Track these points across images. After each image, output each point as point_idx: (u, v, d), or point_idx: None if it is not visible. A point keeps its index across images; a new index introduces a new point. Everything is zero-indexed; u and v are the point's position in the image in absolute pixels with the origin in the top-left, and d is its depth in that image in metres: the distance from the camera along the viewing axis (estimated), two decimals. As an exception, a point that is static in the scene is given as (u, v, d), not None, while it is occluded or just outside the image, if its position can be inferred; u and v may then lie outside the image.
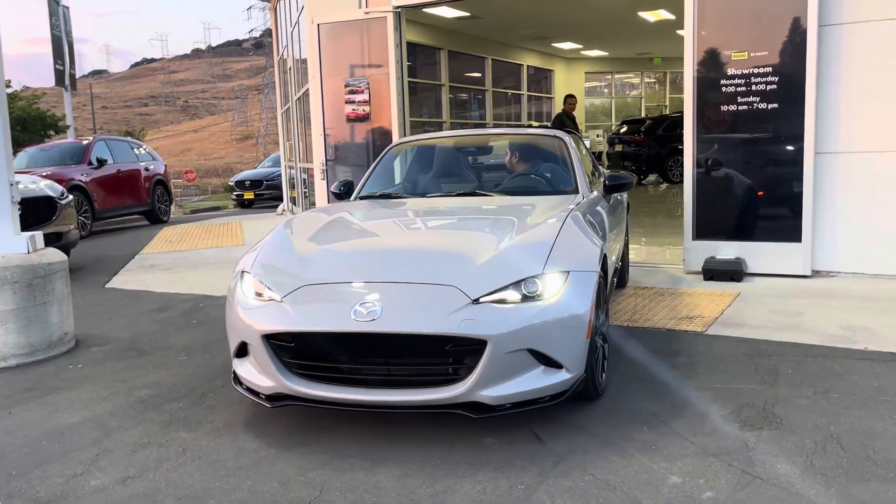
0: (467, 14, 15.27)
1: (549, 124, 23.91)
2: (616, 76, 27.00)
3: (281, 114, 15.10)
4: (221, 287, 7.01)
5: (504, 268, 3.28)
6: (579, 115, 24.27)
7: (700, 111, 6.49)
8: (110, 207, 12.58)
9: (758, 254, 6.34)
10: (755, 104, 6.26)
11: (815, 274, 6.26)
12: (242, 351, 3.46)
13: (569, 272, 3.28)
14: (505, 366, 3.04)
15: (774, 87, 6.17)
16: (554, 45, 22.13)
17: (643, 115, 26.69)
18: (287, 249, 3.81)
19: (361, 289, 3.27)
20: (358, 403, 3.14)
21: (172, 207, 15.31)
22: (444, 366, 3.09)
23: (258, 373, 3.34)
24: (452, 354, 3.06)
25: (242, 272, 3.64)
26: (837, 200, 6.16)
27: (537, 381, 3.11)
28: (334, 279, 3.40)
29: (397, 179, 5.41)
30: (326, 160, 8.57)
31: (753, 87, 6.25)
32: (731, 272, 6.22)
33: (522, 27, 18.40)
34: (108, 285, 7.60)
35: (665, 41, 21.78)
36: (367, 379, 3.17)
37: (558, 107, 24.74)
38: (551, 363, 3.14)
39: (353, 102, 8.36)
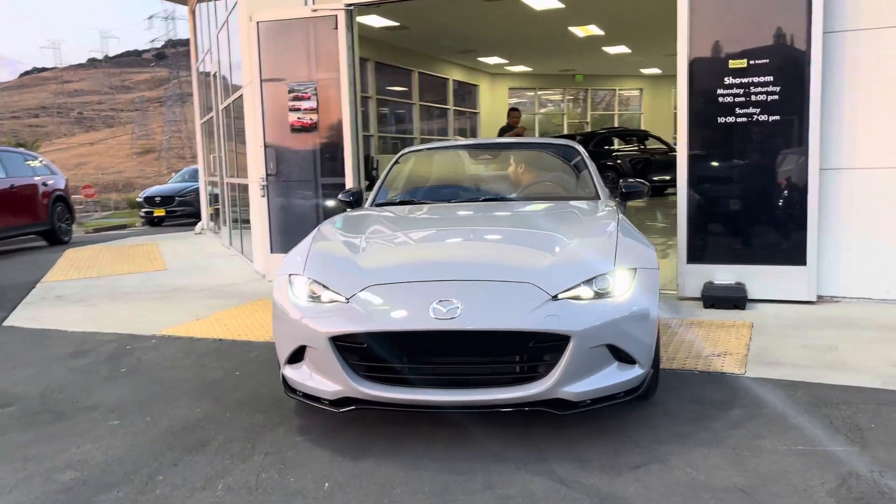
0: (396, 24, 14.62)
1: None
2: (539, 92, 26.87)
3: (200, 125, 13.91)
4: (150, 323, 6.10)
5: (575, 265, 3.35)
6: (496, 129, 23.96)
7: (694, 124, 5.95)
8: (2, 227, 11.13)
9: (758, 278, 5.83)
10: (755, 116, 5.76)
11: (820, 300, 5.79)
12: (297, 356, 3.40)
13: (636, 269, 3.35)
14: (586, 362, 3.08)
15: (776, 97, 5.69)
16: (480, 59, 21.79)
17: (565, 131, 26.73)
18: (338, 250, 3.78)
19: (435, 287, 3.25)
20: (434, 405, 3.13)
21: (73, 227, 13.82)
22: (525, 363, 3.11)
23: (321, 377, 3.28)
24: (534, 351, 3.08)
25: (290, 275, 3.56)
26: (841, 220, 5.73)
27: (614, 376, 3.16)
28: (403, 278, 3.40)
29: (407, 186, 5.32)
30: (267, 175, 7.60)
31: (753, 98, 5.75)
32: (734, 299, 5.68)
33: (450, 40, 17.92)
34: (5, 323, 6.39)
35: (590, 58, 21.81)
36: (442, 379, 3.15)
37: (484, 122, 24.47)
38: (626, 359, 3.20)
39: (298, 110, 7.45)
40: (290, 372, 3.44)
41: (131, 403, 4.14)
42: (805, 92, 5.60)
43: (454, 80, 22.33)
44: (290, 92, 7.46)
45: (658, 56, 22.38)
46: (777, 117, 5.71)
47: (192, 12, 13.69)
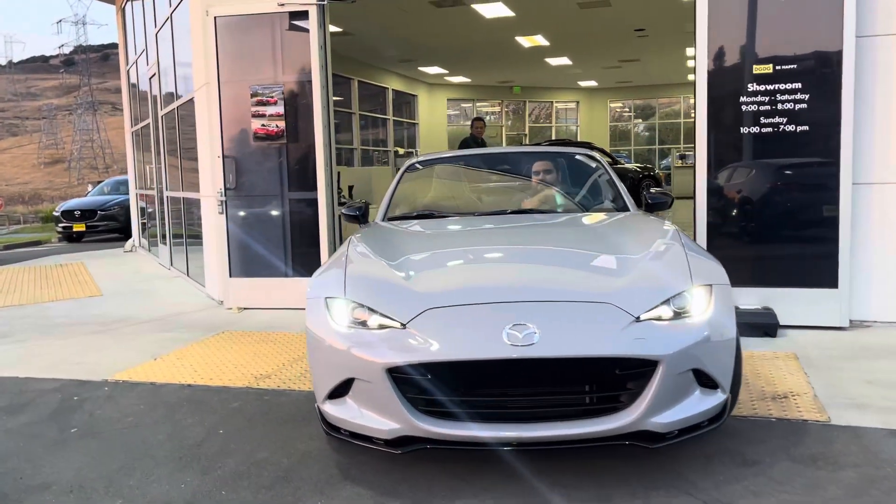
0: (339, 30, 13.94)
1: (416, 150, 22.94)
2: (477, 104, 26.48)
3: (132, 133, 12.76)
4: (97, 365, 5.09)
5: (651, 283, 3.10)
6: (436, 141, 23.49)
7: (714, 133, 5.46)
8: None
9: (786, 302, 5.36)
10: (781, 126, 5.31)
11: (851, 325, 5.36)
12: (341, 390, 3.04)
13: (711, 286, 3.11)
14: (672, 389, 2.83)
15: (804, 105, 5.26)
16: (420, 68, 21.26)
17: (504, 144, 26.41)
18: (382, 271, 3.39)
19: (505, 310, 2.95)
20: (508, 441, 2.82)
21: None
22: (609, 392, 2.86)
23: (374, 414, 2.94)
24: (619, 379, 2.84)
25: (327, 298, 3.20)
26: (874, 238, 5.33)
27: (698, 404, 2.92)
28: (466, 300, 3.08)
29: (421, 199, 5.01)
30: (226, 189, 6.73)
31: (780, 107, 5.30)
32: (764, 326, 5.19)
33: (392, 48, 17.32)
34: (-83, 367, 5.33)
35: (530, 69, 21.59)
36: (515, 413, 2.88)
37: (423, 133, 23.89)
38: (709, 384, 2.96)
39: (262, 116, 6.62)
40: (332, 408, 3.07)
41: (94, 480, 3.28)
42: (836, 100, 5.18)
43: (393, 90, 21.70)
44: (253, 96, 6.63)
45: (597, 69, 22.39)
46: (805, 127, 5.27)
47: (122, 10, 12.57)
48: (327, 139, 6.57)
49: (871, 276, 5.36)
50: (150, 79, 10.17)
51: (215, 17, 6.57)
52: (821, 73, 5.23)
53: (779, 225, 5.46)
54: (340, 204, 6.79)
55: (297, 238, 6.75)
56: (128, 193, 16.18)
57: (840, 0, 5.11)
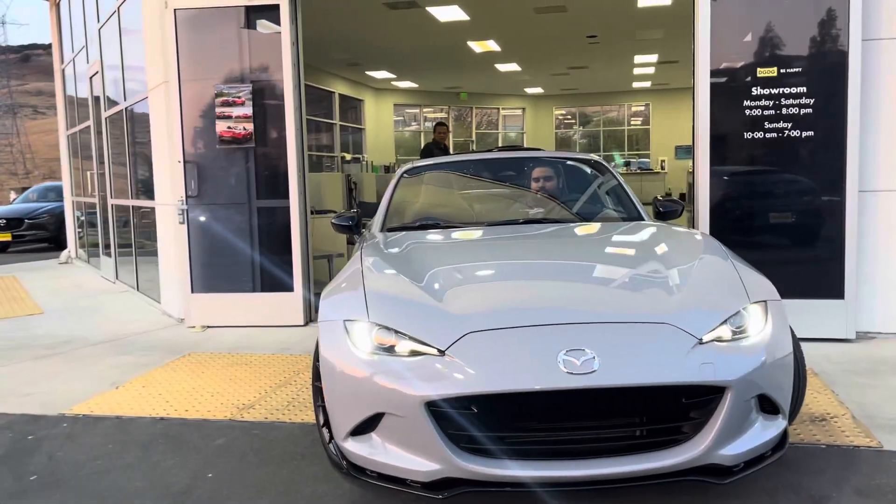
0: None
1: (363, 156, 22.44)
2: (424, 110, 26.15)
3: (67, 137, 11.93)
4: (51, 395, 4.54)
5: (707, 301, 2.87)
6: (383, 147, 23.05)
7: (716, 139, 5.24)
8: None
9: (789, 314, 5.14)
10: (786, 131, 5.12)
11: (858, 337, 5.20)
12: (367, 426, 2.71)
13: (766, 302, 2.89)
14: (739, 417, 2.61)
15: (809, 110, 5.08)
16: (367, 73, 20.80)
17: (451, 150, 26.11)
18: (408, 287, 3.06)
19: (556, 333, 2.70)
20: (567, 481, 2.53)
21: None
22: (672, 423, 2.60)
23: (408, 453, 2.62)
24: (684, 408, 2.58)
25: (346, 321, 2.87)
26: (879, 247, 5.18)
27: (762, 432, 2.69)
28: (509, 322, 2.78)
29: (423, 207, 4.69)
30: (187, 196, 6.19)
31: (784, 111, 5.11)
32: (773, 339, 4.96)
33: (341, 51, 16.82)
34: None
35: (479, 75, 21.39)
36: (568, 449, 2.58)
37: (370, 138, 23.40)
38: (770, 409, 2.74)
39: (228, 118, 6.10)
40: (356, 447, 2.72)
41: (68, 541, 2.77)
42: (843, 105, 5.01)
43: (339, 94, 21.17)
44: (217, 96, 6.11)
45: (545, 75, 22.36)
46: (811, 133, 5.09)
47: (56, 6, 11.75)
48: (300, 143, 6.11)
49: (874, 287, 5.21)
50: (92, 78, 9.46)
51: (175, 10, 6.03)
52: (826, 77, 5.06)
53: (782, 234, 5.28)
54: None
55: (266, 250, 6.25)
56: (58, 201, 15.23)
57: (846, 1, 4.95)
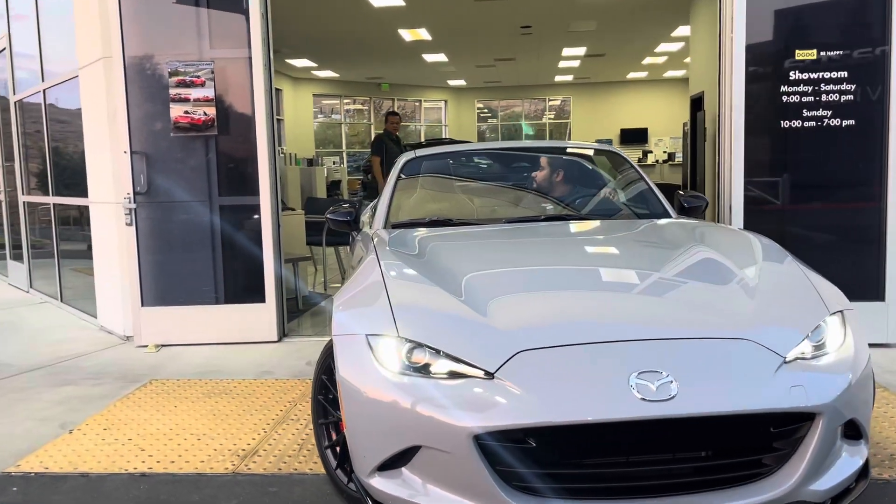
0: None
1: (282, 147, 21.31)
2: (344, 100, 25.17)
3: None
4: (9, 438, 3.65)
5: (785, 313, 2.56)
6: (302, 140, 22.02)
7: (750, 129, 4.77)
8: None
9: (828, 318, 4.76)
10: (825, 120, 4.72)
11: (896, 341, 4.87)
12: (398, 460, 2.32)
13: (842, 312, 2.60)
14: (828, 446, 2.28)
15: (850, 97, 4.70)
16: (287, 61, 19.72)
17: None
18: (441, 297, 2.65)
19: (624, 351, 2.31)
20: None
21: None
22: (754, 455, 2.25)
23: (449, 492, 2.24)
24: (769, 438, 2.24)
25: (371, 335, 2.47)
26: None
27: (849, 461, 2.37)
28: (567, 339, 2.37)
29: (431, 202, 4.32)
30: (135, 193, 5.24)
31: (824, 98, 4.71)
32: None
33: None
34: None
35: (403, 66, 20.76)
36: (638, 487, 2.20)
37: (288, 129, 22.27)
38: (853, 434, 2.41)
39: (185, 101, 5.19)
40: (384, 484, 2.37)
41: None
42: (884, 91, 4.64)
43: (258, 84, 19.98)
44: (172, 75, 5.19)
45: (471, 67, 21.90)
46: (852, 122, 4.71)
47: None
48: (271, 131, 5.27)
49: (902, 287, 4.88)
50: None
51: (119, -27, 5.08)
52: (869, 61, 4.68)
53: (818, 231, 4.88)
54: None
55: (232, 255, 5.39)
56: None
57: (890, -21, 4.58)
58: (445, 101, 27.55)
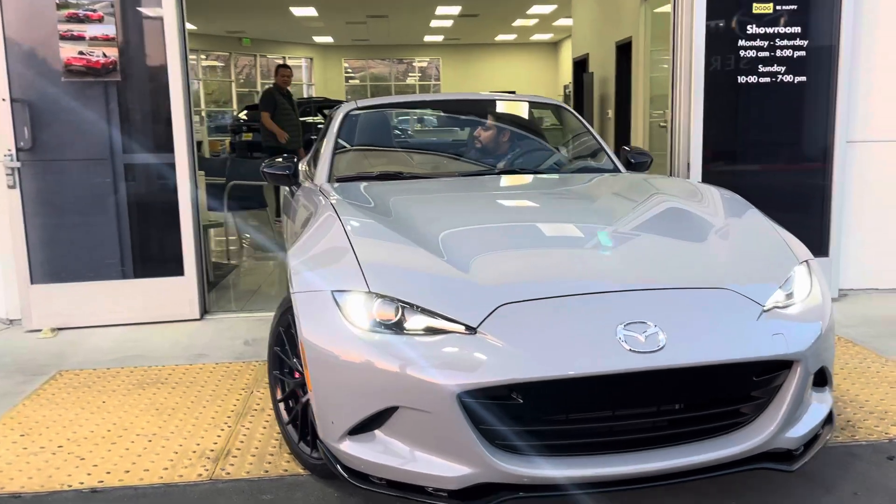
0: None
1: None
2: (201, 55, 23.48)
3: None
4: None
5: (758, 263, 2.58)
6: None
7: (710, 84, 4.66)
8: None
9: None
10: (779, 76, 4.69)
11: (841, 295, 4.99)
12: (372, 422, 2.22)
13: (808, 262, 2.64)
14: (802, 393, 2.32)
15: (803, 53, 4.68)
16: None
17: (235, 102, 23.88)
18: (412, 250, 2.52)
19: (608, 303, 2.29)
20: (628, 478, 2.12)
21: None
22: (735, 405, 2.29)
23: (431, 455, 2.14)
24: (749, 387, 2.27)
25: (337, 291, 2.33)
26: (853, 201, 4.96)
27: (817, 409, 2.42)
28: (551, 291, 2.31)
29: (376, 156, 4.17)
30: (17, 150, 4.39)
31: (779, 53, 4.66)
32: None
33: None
34: None
35: (268, 19, 19.67)
36: (620, 440, 2.19)
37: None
38: (820, 382, 2.48)
39: (80, 40, 4.37)
40: (355, 448, 2.25)
41: None
42: (834, 47, 4.66)
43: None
44: (61, 7, 4.35)
45: (340, 23, 21.11)
46: (804, 78, 4.70)
47: None
48: (185, 77, 4.57)
49: (848, 242, 5.00)
50: None
51: None
52: (822, 14, 4.66)
53: (768, 188, 4.86)
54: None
55: (141, 222, 4.66)
56: None
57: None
58: (311, 59, 26.46)
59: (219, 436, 3.04)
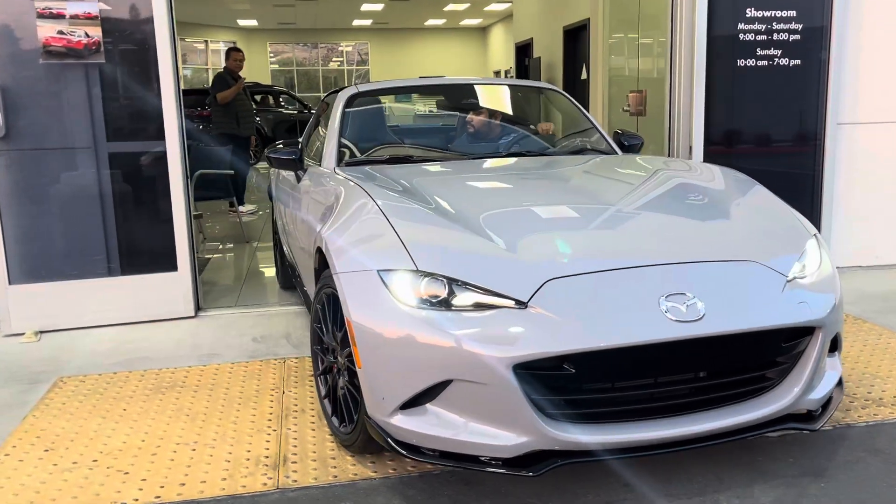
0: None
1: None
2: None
3: None
4: None
5: (777, 237, 2.72)
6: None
7: (711, 66, 4.70)
8: None
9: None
10: (776, 59, 4.77)
11: (825, 272, 5.13)
12: (424, 396, 2.27)
13: (816, 235, 2.81)
14: (822, 358, 2.48)
15: (798, 37, 4.76)
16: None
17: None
18: (454, 230, 2.57)
19: (649, 276, 2.38)
20: (670, 441, 2.26)
21: None
22: (763, 370, 2.42)
23: (484, 425, 2.22)
24: (775, 353, 2.41)
25: (383, 271, 2.38)
26: (840, 181, 5.12)
27: (830, 373, 2.61)
28: (593, 266, 2.40)
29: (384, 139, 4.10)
30: (-8, 138, 4.02)
31: (775, 37, 4.73)
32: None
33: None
34: None
35: (186, 1, 18.90)
36: (663, 406, 2.31)
37: None
38: (833, 348, 2.65)
39: (59, 18, 4.02)
40: (407, 422, 2.31)
41: None
42: (825, 30, 4.77)
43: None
44: (39, -18, 3.99)
45: (267, 6, 20.51)
46: (798, 62, 4.79)
47: None
48: (174, 60, 4.28)
49: (833, 220, 5.16)
50: None
51: None
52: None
53: (764, 171, 4.93)
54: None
55: (129, 215, 4.36)
56: None
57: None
58: (234, 42, 25.58)
59: (268, 441, 2.86)
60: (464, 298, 2.28)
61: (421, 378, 2.26)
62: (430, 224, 2.65)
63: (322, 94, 26.68)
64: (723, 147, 4.85)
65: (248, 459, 2.71)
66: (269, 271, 5.70)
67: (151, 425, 3.02)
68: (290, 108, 17.38)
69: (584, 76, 11.08)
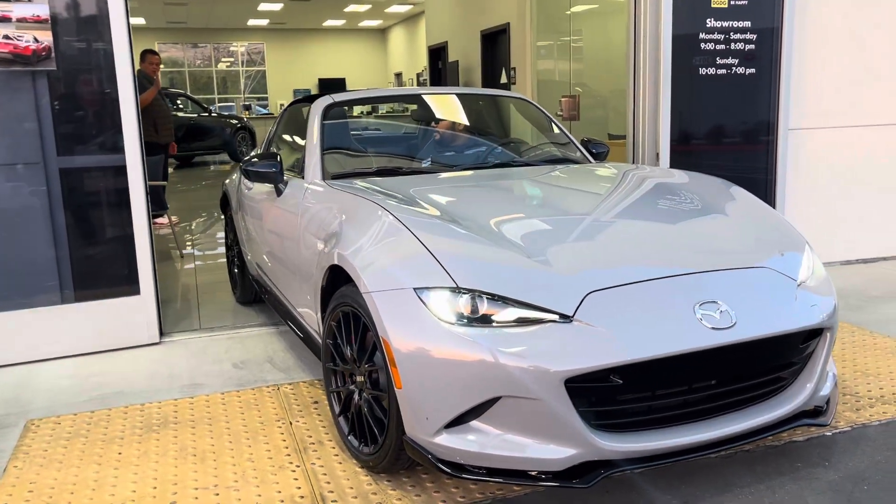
0: None
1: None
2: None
3: None
4: None
5: (780, 243, 2.82)
6: None
7: (676, 73, 4.80)
8: None
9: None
10: (734, 68, 4.93)
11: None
12: (470, 414, 2.24)
13: (806, 241, 2.95)
14: (828, 356, 2.67)
15: (753, 46, 4.94)
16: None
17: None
18: (483, 245, 2.52)
19: (681, 285, 2.43)
20: (701, 445, 2.32)
21: None
22: (780, 371, 2.54)
23: (532, 439, 2.22)
24: (790, 354, 2.54)
25: (419, 289, 2.32)
26: (792, 184, 5.36)
27: (832, 370, 2.82)
28: (629, 277, 2.41)
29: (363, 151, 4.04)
30: (-73, 155, 3.57)
31: (733, 46, 4.89)
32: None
33: None
34: None
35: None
36: (695, 410, 2.38)
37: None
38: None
39: (5, 21, 3.61)
40: (452, 441, 2.27)
41: None
42: (777, 38, 4.98)
43: None
44: (-21, -20, 3.58)
45: (157, 4, 19.56)
46: (753, 70, 4.97)
47: None
48: (132, 65, 3.96)
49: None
50: None
51: None
52: (766, 9, 4.95)
53: (724, 175, 5.12)
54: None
55: (82, 236, 3.99)
56: None
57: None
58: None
59: (295, 478, 2.67)
60: (506, 314, 2.26)
61: (468, 396, 2.23)
62: (455, 238, 2.58)
63: (216, 96, 25.74)
64: (685, 154, 4.97)
65: (283, 501, 2.52)
66: (221, 286, 5.39)
67: (158, 469, 2.76)
68: (187, 111, 16.69)
69: (503, 80, 11.18)
